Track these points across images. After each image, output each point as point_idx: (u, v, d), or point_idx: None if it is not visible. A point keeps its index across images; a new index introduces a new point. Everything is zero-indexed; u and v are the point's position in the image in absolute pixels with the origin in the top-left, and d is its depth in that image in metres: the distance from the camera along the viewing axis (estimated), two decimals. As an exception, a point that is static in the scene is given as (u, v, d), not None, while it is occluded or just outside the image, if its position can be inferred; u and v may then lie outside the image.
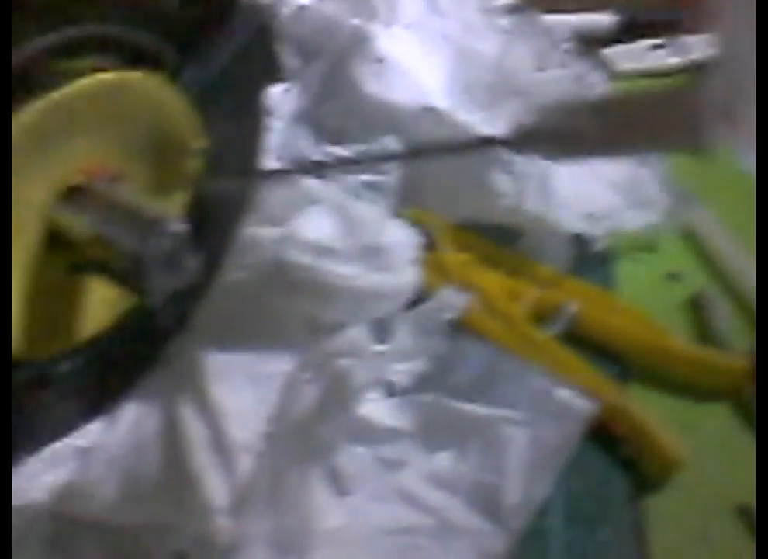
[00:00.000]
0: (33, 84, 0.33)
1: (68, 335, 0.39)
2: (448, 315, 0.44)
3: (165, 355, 0.46)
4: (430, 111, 0.56)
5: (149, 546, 0.43)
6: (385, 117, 0.56)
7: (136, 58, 0.36)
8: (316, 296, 0.41)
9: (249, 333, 0.43)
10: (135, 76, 0.36)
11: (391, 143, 0.56)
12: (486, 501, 0.45)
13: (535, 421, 0.47)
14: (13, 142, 0.33)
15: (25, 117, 0.33)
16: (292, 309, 0.43)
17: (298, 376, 0.43)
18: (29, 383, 0.39)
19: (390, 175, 0.53)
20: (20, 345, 0.36)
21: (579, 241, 0.61)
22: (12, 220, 0.34)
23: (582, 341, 0.55)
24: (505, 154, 0.59)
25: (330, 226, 0.43)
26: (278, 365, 0.43)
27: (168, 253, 0.35)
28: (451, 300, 0.44)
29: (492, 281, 0.57)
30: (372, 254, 0.42)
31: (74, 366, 0.41)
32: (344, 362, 0.42)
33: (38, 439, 0.41)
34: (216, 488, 0.41)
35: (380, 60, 0.61)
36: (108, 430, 0.43)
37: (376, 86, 0.56)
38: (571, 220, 0.60)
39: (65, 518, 0.43)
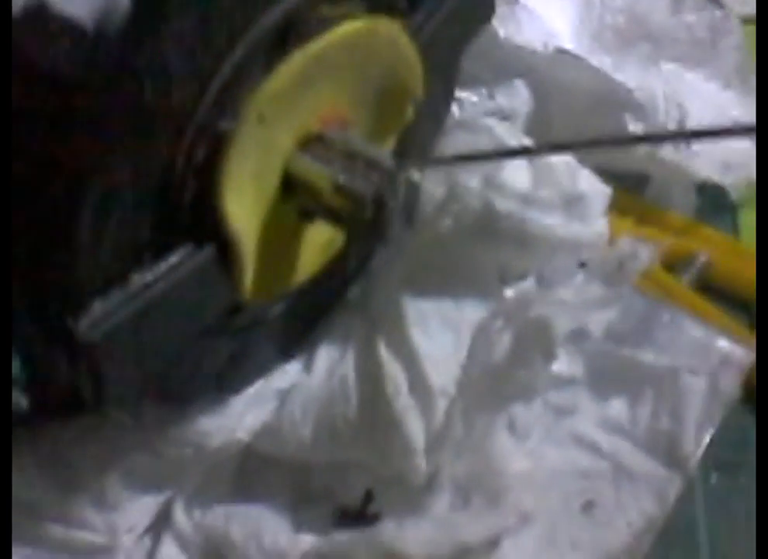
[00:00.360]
0: (299, 31, 0.33)
1: (285, 280, 0.39)
2: (634, 265, 0.44)
3: (350, 298, 0.46)
4: (563, 54, 0.55)
5: (333, 485, 0.44)
6: (517, 61, 0.54)
7: (376, 5, 0.36)
8: (517, 245, 0.41)
9: (446, 279, 0.43)
10: (382, 23, 0.35)
11: (522, 86, 0.55)
12: (662, 447, 0.46)
13: (703, 370, 0.47)
14: (276, 88, 0.33)
15: (290, 64, 0.33)
16: (489, 257, 0.43)
17: (491, 323, 0.43)
18: (245, 327, 0.39)
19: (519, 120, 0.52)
20: (248, 291, 0.36)
21: (709, 190, 0.61)
22: (256, 166, 0.34)
23: (713, 290, 0.55)
24: (640, 100, 0.58)
25: (527, 175, 0.43)
26: (473, 312, 0.43)
27: (405, 200, 0.35)
28: (636, 250, 0.44)
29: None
30: (570, 203, 0.42)
31: (281, 309, 0.41)
32: (541, 310, 0.42)
33: (244, 380, 0.42)
34: (415, 430, 0.41)
35: (512, 3, 0.60)
36: (306, 372, 0.44)
37: (508, 29, 0.55)
38: (705, 168, 0.59)
39: (253, 455, 0.44)
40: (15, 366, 0.36)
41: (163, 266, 0.32)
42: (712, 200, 0.61)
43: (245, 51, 0.31)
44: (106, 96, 0.27)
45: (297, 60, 0.32)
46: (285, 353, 0.44)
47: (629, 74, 0.57)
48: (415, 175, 0.36)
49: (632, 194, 0.60)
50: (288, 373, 0.44)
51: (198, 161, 0.31)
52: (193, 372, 0.38)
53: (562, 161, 0.44)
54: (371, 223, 0.35)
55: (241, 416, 0.42)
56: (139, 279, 0.32)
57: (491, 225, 0.41)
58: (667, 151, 0.59)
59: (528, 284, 0.47)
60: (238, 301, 0.36)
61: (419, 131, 0.42)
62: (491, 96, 0.54)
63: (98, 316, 0.30)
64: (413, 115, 0.40)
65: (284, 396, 0.42)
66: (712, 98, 0.61)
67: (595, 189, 0.44)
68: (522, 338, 0.42)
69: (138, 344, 0.32)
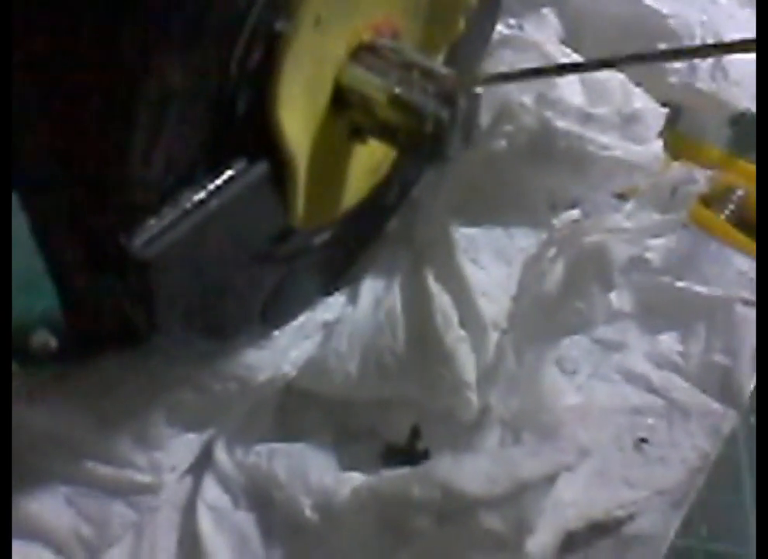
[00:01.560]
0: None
1: (334, 206, 0.37)
2: (690, 191, 0.42)
3: (393, 227, 0.44)
4: None
5: (377, 422, 0.42)
6: None
7: None
8: (574, 167, 0.39)
9: (496, 206, 0.41)
10: None
11: (551, 15, 0.53)
12: (715, 382, 0.44)
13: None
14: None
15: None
16: (541, 182, 0.41)
17: (544, 252, 0.41)
18: (291, 253, 0.37)
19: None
20: (299, 215, 0.34)
21: (745, 121, 0.59)
22: (310, 76, 0.32)
23: (750, 225, 0.54)
24: (674, 27, 0.55)
25: (581, 93, 0.40)
26: (524, 240, 0.41)
27: (465, 116, 0.33)
28: (691, 176, 0.42)
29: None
30: (626, 122, 0.40)
31: (326, 237, 0.39)
32: (595, 237, 0.40)
33: (288, 313, 0.40)
34: (466, 364, 0.40)
35: None
36: (351, 304, 0.42)
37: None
38: (742, 99, 0.57)
39: (294, 392, 0.42)
40: (45, 301, 0.34)
41: (215, 183, 0.30)
42: (747, 133, 0.59)
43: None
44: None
45: None
46: (329, 285, 0.42)
47: (661, 2, 0.55)
48: (476, 87, 0.33)
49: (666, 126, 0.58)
50: (333, 305, 0.42)
51: (252, 66, 0.29)
52: (238, 303, 0.36)
53: (615, 79, 0.42)
54: (429, 140, 0.33)
55: (286, 350, 0.40)
56: (191, 196, 0.30)
57: (547, 145, 0.39)
58: (704, 82, 0.57)
59: (577, 212, 0.44)
60: (288, 226, 0.34)
61: (467, 47, 0.40)
62: (520, 27, 0.53)
63: (152, 233, 0.28)
64: (464, 27, 0.37)
65: (329, 329, 0.41)
66: (749, 25, 0.59)
67: (650, 109, 0.42)
68: (576, 268, 0.40)
69: (189, 265, 0.31)
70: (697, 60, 0.60)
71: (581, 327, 0.41)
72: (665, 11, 0.53)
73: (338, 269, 0.42)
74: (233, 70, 0.29)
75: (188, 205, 0.30)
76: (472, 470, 0.38)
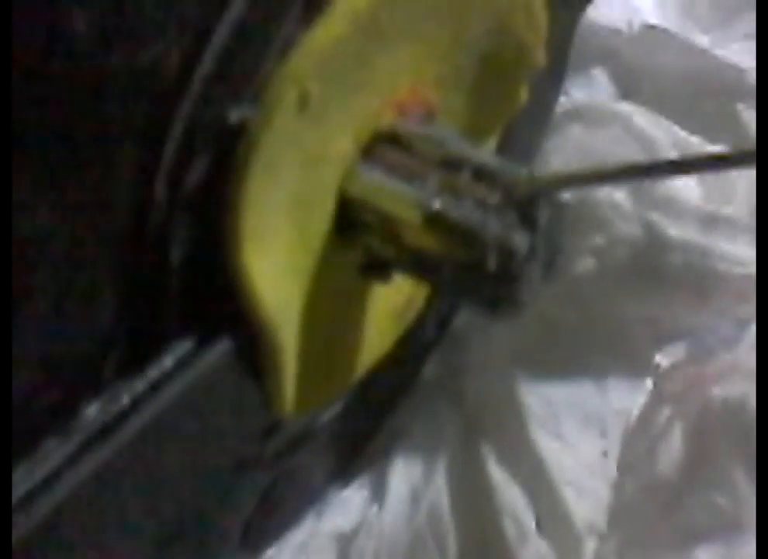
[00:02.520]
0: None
1: (344, 375, 0.25)
2: None
3: (428, 378, 0.32)
4: (651, 30, 0.44)
5: None
6: (594, 44, 0.44)
7: None
8: (694, 291, 0.27)
9: (581, 351, 0.29)
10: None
11: (602, 75, 0.44)
12: None
13: None
14: (328, 47, 0.18)
15: (348, 5, 0.18)
16: (645, 313, 0.28)
17: (653, 413, 0.29)
18: (285, 449, 0.25)
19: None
20: (288, 402, 0.22)
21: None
22: (296, 188, 0.21)
23: None
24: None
25: (696, 184, 0.28)
26: (623, 398, 0.29)
27: (548, 240, 0.21)
28: None
29: None
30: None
31: (338, 410, 0.27)
32: (729, 388, 0.28)
33: (281, 525, 0.28)
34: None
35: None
36: (376, 502, 0.31)
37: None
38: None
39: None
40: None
41: (143, 382, 0.18)
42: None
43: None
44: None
45: (344, 12, 0.19)
46: (342, 473, 0.31)
47: (733, 53, 0.47)
48: (560, 195, 0.21)
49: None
50: (350, 506, 0.30)
51: (192, 184, 0.19)
52: (207, 529, 0.24)
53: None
54: (493, 279, 0.21)
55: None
56: (91, 411, 0.18)
57: (656, 262, 0.27)
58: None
59: (684, 345, 0.32)
60: (274, 418, 0.24)
61: (526, 125, 0.28)
62: (564, 91, 0.43)
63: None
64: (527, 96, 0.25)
65: (345, 543, 0.30)
66: None
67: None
68: (705, 437, 0.29)
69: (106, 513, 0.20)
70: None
71: (720, 531, 0.28)
72: (743, 64, 0.45)
73: (355, 447, 0.31)
74: (161, 193, 0.17)
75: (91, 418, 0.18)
76: None
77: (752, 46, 0.49)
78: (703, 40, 0.46)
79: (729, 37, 0.48)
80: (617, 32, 0.44)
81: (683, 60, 0.44)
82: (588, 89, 0.42)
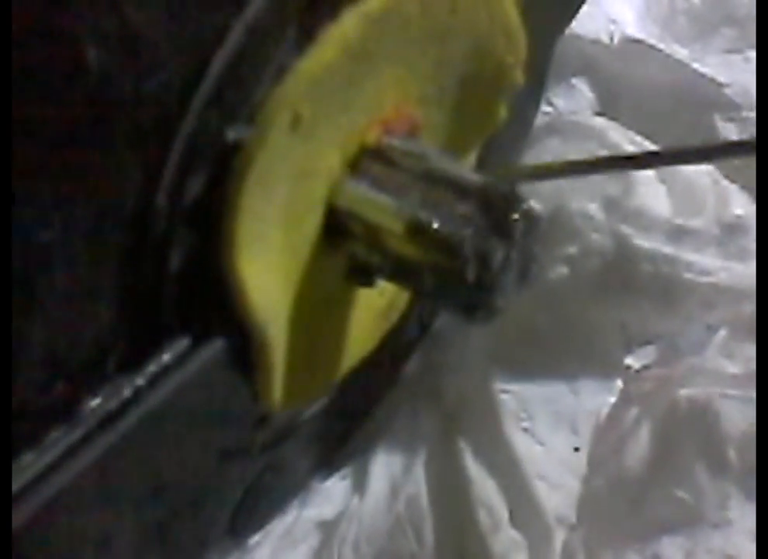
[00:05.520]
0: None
1: (330, 371, 0.26)
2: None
3: (408, 378, 0.33)
4: (633, 44, 0.45)
5: None
6: (576, 55, 0.45)
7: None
8: (662, 300, 0.29)
9: (554, 352, 0.30)
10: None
11: (583, 85, 0.44)
12: None
13: None
14: (319, 71, 0.20)
15: (338, 31, 0.20)
16: (615, 319, 0.30)
17: (622, 412, 0.30)
18: (272, 441, 0.26)
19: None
20: (277, 397, 0.23)
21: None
22: (287, 201, 0.22)
23: None
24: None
25: (665, 196, 0.30)
26: (594, 397, 0.31)
27: (523, 248, 0.22)
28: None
29: None
30: (727, 235, 0.29)
31: (322, 405, 0.28)
32: (694, 389, 0.29)
33: (266, 515, 0.29)
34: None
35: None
36: (357, 493, 0.32)
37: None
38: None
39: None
40: None
41: (142, 377, 0.20)
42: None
43: (265, 10, 0.19)
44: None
45: (349, 25, 0.21)
46: (326, 465, 0.32)
47: (712, 67, 0.47)
48: (534, 205, 0.22)
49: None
50: (332, 495, 0.32)
51: (191, 196, 0.20)
52: (198, 515, 0.25)
53: (704, 175, 0.31)
54: (471, 286, 0.23)
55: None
56: (94, 404, 0.19)
57: (626, 271, 0.28)
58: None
59: (653, 349, 0.33)
60: (263, 412, 0.25)
61: (503, 139, 0.29)
62: (547, 101, 0.44)
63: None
64: (506, 113, 0.26)
65: (328, 531, 0.31)
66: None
67: (754, 214, 0.31)
68: (670, 436, 0.30)
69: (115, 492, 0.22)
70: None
71: (682, 524, 0.29)
72: (721, 78, 0.46)
73: (338, 440, 0.32)
74: (161, 206, 0.18)
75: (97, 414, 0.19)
76: None
77: (731, 59, 0.51)
78: (682, 53, 0.46)
79: (708, 51, 0.49)
80: (598, 43, 0.45)
81: (663, 72, 0.45)
82: (569, 99, 0.43)
